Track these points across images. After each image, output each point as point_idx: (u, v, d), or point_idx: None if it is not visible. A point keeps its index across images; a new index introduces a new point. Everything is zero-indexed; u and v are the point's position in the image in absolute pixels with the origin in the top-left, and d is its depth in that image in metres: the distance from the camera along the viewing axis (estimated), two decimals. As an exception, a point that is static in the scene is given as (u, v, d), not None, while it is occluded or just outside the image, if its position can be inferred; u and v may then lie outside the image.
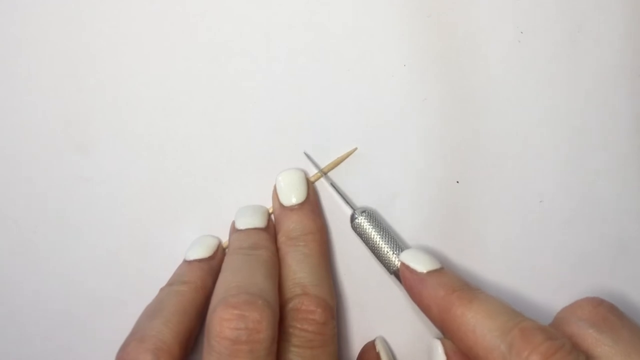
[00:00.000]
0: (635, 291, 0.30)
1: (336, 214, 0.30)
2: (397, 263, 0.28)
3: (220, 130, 0.30)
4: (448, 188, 0.30)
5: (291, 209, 0.29)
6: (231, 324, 0.23)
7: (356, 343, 0.30)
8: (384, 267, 0.29)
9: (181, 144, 0.30)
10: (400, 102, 0.30)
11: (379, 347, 0.29)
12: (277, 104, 0.30)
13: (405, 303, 0.30)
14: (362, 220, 0.29)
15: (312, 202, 0.30)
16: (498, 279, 0.30)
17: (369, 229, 0.29)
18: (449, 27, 0.30)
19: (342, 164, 0.30)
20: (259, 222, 0.29)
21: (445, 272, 0.26)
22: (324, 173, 0.30)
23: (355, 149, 0.30)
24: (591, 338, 0.23)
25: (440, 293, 0.25)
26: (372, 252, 0.29)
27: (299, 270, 0.27)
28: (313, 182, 0.30)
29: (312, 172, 0.30)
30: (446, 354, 0.25)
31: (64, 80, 0.30)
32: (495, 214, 0.30)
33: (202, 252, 0.29)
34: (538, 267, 0.30)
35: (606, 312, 0.25)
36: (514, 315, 0.24)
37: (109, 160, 0.30)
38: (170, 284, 0.28)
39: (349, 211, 0.30)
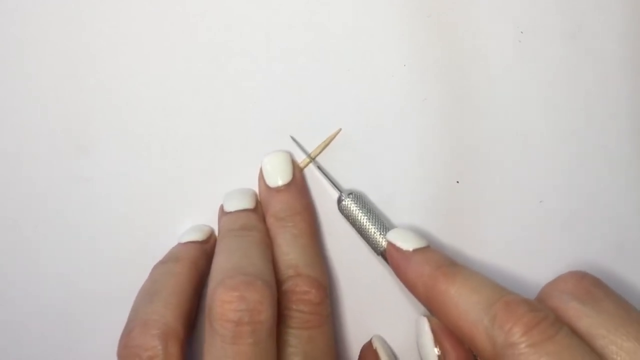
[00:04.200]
0: (635, 291, 0.30)
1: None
2: (384, 244, 0.28)
3: (220, 130, 0.30)
4: (448, 188, 0.30)
5: (277, 190, 0.29)
6: (232, 305, 0.23)
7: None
8: (371, 249, 0.29)
9: (181, 144, 0.30)
10: (400, 102, 0.30)
11: (376, 345, 0.29)
12: (277, 103, 0.30)
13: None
14: (348, 203, 0.29)
15: (298, 183, 0.30)
16: (498, 278, 0.30)
17: (355, 210, 0.29)
18: (449, 27, 0.30)
19: (342, 164, 0.30)
20: (247, 203, 0.29)
21: (431, 249, 0.26)
22: (311, 158, 0.30)
23: (340, 129, 0.30)
24: (574, 310, 0.23)
25: (425, 270, 0.25)
26: (360, 233, 0.29)
27: (290, 252, 0.27)
28: (303, 168, 0.30)
29: (300, 157, 0.30)
30: (432, 330, 0.25)
31: (64, 80, 0.30)
32: (495, 214, 0.30)
33: (196, 235, 0.29)
34: (538, 267, 0.30)
35: (589, 285, 0.24)
36: (498, 289, 0.23)
37: (109, 160, 0.30)
38: (163, 262, 0.28)
39: (336, 195, 0.30)
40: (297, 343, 0.25)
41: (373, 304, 0.30)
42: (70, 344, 0.30)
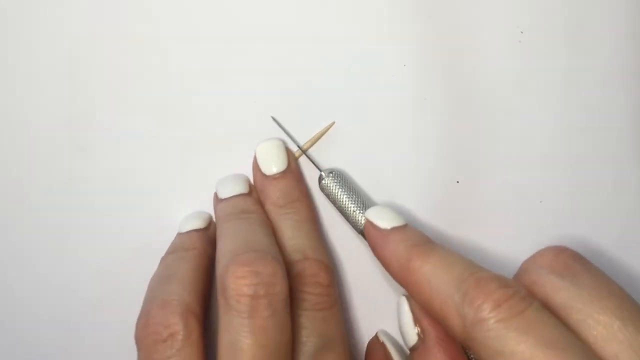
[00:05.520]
0: (635, 292, 0.30)
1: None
2: (364, 222, 0.28)
3: (221, 130, 0.30)
4: (448, 188, 0.30)
5: (274, 177, 0.29)
6: (246, 280, 0.23)
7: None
8: (352, 227, 0.29)
9: (182, 144, 0.30)
10: (400, 102, 0.30)
11: (383, 339, 0.29)
12: (277, 103, 0.30)
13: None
14: (329, 181, 0.29)
15: (293, 170, 0.30)
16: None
17: (335, 189, 0.29)
18: (450, 27, 0.30)
19: (342, 164, 0.30)
20: (242, 188, 0.29)
21: (408, 228, 0.26)
22: (302, 151, 0.30)
23: (333, 123, 0.30)
24: (551, 284, 0.23)
25: (400, 248, 0.25)
26: (340, 212, 0.29)
27: (295, 237, 0.28)
28: (297, 158, 0.30)
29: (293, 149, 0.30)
30: (412, 310, 0.25)
31: (64, 80, 0.30)
32: (495, 214, 0.30)
33: (197, 223, 0.29)
34: (538, 267, 0.30)
35: (567, 258, 0.24)
36: (471, 266, 0.23)
37: (109, 160, 0.30)
38: (172, 252, 0.28)
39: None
40: (312, 325, 0.26)
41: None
42: (70, 343, 0.30)
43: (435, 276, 0.23)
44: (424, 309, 0.25)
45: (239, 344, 0.23)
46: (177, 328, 0.24)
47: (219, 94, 0.30)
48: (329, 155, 0.30)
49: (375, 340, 0.29)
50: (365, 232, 0.27)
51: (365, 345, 0.30)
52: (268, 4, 0.30)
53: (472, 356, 0.25)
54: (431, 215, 0.30)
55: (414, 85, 0.30)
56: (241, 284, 0.23)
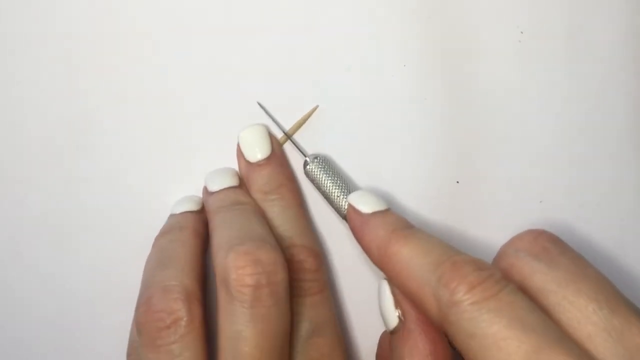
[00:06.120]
0: (635, 291, 0.30)
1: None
2: (347, 207, 0.27)
3: (222, 130, 0.30)
4: (448, 188, 0.30)
5: (258, 164, 0.29)
6: (247, 270, 0.23)
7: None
8: (336, 213, 0.29)
9: (182, 144, 0.30)
10: (400, 102, 0.30)
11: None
12: (277, 103, 0.30)
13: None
14: (313, 167, 0.29)
15: (278, 155, 0.30)
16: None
17: (320, 174, 0.29)
18: (450, 27, 0.30)
19: (341, 164, 0.30)
20: (231, 181, 0.29)
21: (389, 212, 0.26)
22: (288, 136, 0.30)
23: (317, 106, 0.30)
24: (528, 267, 0.23)
25: (380, 233, 0.25)
26: (325, 198, 0.29)
27: (281, 224, 0.28)
28: (282, 144, 0.30)
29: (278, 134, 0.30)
30: (393, 292, 0.25)
31: (64, 80, 0.30)
32: (495, 214, 0.30)
33: (190, 205, 0.29)
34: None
35: (545, 241, 0.23)
36: (448, 250, 0.23)
37: (109, 160, 0.30)
38: (166, 232, 0.28)
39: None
40: (301, 310, 0.26)
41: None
42: (70, 343, 0.30)
43: (412, 260, 0.23)
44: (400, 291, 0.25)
45: (242, 334, 0.23)
46: (181, 314, 0.24)
47: (220, 95, 0.30)
48: (328, 154, 0.30)
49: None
50: (347, 216, 0.27)
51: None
52: (268, 4, 0.30)
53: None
54: (431, 215, 0.30)
55: (414, 85, 0.30)
56: (243, 274, 0.23)
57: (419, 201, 0.30)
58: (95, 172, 0.30)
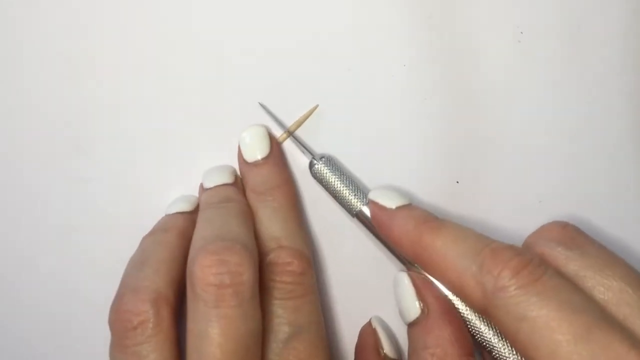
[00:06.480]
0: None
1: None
2: (358, 206, 0.28)
3: (223, 130, 0.30)
4: (448, 188, 0.30)
5: (256, 164, 0.29)
6: (212, 269, 0.24)
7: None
8: (345, 212, 0.29)
9: (182, 144, 0.30)
10: (400, 102, 0.30)
11: (375, 324, 0.29)
12: (276, 103, 0.30)
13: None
14: (320, 166, 0.29)
15: (275, 156, 0.30)
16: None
17: (328, 174, 0.29)
18: (449, 27, 0.30)
19: (341, 164, 0.30)
20: (225, 178, 0.29)
21: (414, 206, 0.27)
22: (289, 132, 0.30)
23: (317, 106, 0.30)
24: (561, 255, 0.24)
25: (410, 225, 0.26)
26: (333, 197, 0.29)
27: (271, 225, 0.28)
28: (281, 143, 0.30)
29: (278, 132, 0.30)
30: (413, 284, 0.26)
31: (64, 80, 0.30)
32: (495, 214, 0.30)
33: (182, 205, 0.29)
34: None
35: (572, 232, 0.25)
36: (483, 238, 0.24)
37: (109, 160, 0.30)
38: (152, 233, 0.28)
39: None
40: (283, 313, 0.26)
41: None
42: (70, 343, 0.31)
43: (448, 250, 0.24)
44: (428, 282, 0.26)
45: (205, 333, 0.23)
46: (148, 316, 0.24)
47: (220, 95, 0.30)
48: (328, 153, 0.30)
49: (367, 326, 0.30)
50: (370, 212, 0.27)
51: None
52: (268, 4, 0.30)
53: (475, 330, 0.26)
54: (431, 215, 0.30)
55: (414, 85, 0.30)
56: (207, 273, 0.24)
57: (419, 201, 0.30)
58: (95, 172, 0.30)
